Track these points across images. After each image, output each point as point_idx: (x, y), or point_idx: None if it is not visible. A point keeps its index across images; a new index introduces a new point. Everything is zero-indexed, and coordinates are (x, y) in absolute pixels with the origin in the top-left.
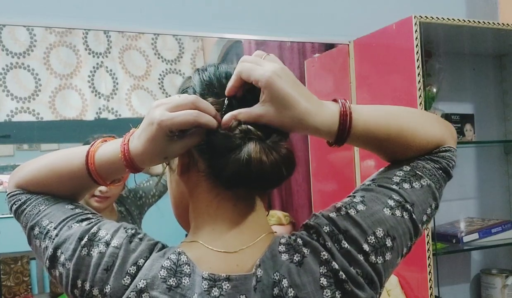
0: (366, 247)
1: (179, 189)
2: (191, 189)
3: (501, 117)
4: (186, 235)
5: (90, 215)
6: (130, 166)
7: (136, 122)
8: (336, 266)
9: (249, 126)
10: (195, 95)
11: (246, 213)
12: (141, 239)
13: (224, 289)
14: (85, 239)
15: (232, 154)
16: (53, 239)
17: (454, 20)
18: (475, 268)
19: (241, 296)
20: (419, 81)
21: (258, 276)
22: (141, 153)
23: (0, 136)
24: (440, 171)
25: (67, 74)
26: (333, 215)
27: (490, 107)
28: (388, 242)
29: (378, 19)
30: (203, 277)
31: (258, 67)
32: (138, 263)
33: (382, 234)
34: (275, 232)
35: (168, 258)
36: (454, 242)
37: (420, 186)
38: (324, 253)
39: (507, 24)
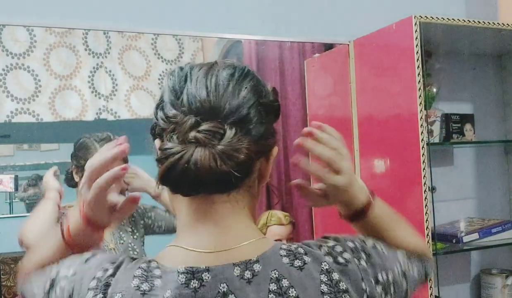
0: (380, 277)
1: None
2: (172, 199)
3: (501, 117)
4: None
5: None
6: (97, 229)
7: (135, 123)
8: (337, 277)
9: (197, 135)
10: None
11: (228, 217)
12: (97, 257)
13: (204, 280)
14: (48, 286)
15: (170, 162)
16: None
17: (454, 20)
18: (475, 268)
19: (222, 284)
20: (419, 81)
21: (256, 270)
22: (97, 220)
23: (0, 136)
24: (423, 272)
25: (67, 74)
26: (359, 240)
27: (490, 107)
28: (392, 290)
29: (378, 19)
30: (179, 272)
31: (344, 162)
32: (96, 276)
33: (391, 280)
34: (265, 236)
35: (139, 267)
36: (454, 242)
37: (412, 272)
38: (325, 263)
39: (507, 24)
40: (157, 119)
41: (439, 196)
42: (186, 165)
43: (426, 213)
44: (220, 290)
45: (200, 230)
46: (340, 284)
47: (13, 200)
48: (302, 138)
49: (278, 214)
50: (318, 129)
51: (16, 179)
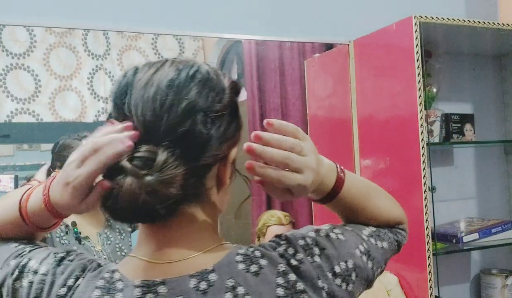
0: (337, 269)
1: None
2: None
3: (501, 117)
4: None
5: (27, 248)
6: (57, 216)
7: None
8: (294, 278)
9: (125, 164)
10: (92, 138)
11: (184, 227)
12: (71, 260)
13: (159, 293)
14: (16, 273)
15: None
16: None
17: (454, 20)
18: (475, 268)
19: (178, 297)
20: (419, 81)
21: (211, 280)
22: (64, 208)
23: (0, 136)
24: (395, 244)
25: (66, 75)
26: (312, 233)
27: (490, 107)
28: (353, 276)
29: (378, 19)
30: (135, 286)
31: (303, 158)
32: (67, 284)
33: (351, 266)
34: (228, 243)
35: (102, 277)
36: (454, 242)
37: (381, 246)
38: (281, 265)
39: (507, 24)
40: None
41: (439, 196)
42: (116, 195)
43: (426, 213)
44: None
45: (155, 241)
46: (297, 285)
47: None
48: (249, 143)
49: (278, 214)
50: (268, 127)
51: (16, 179)
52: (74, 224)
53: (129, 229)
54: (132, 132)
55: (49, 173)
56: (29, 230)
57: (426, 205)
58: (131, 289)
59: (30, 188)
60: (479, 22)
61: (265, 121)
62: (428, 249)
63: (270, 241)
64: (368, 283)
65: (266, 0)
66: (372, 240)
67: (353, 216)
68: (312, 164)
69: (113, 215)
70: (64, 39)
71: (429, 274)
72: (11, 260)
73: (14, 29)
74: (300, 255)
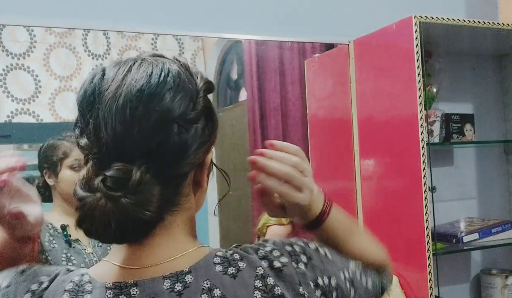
0: (320, 281)
1: None
2: None
3: (501, 117)
4: None
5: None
6: (22, 242)
7: None
8: (272, 282)
9: (99, 185)
10: None
11: (156, 236)
12: (33, 268)
13: (132, 295)
14: None
15: (79, 211)
16: None
17: (454, 20)
18: (475, 268)
19: None
20: (419, 81)
21: (187, 281)
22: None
23: (0, 136)
24: (379, 287)
25: (66, 76)
26: (301, 243)
27: (490, 107)
28: (333, 294)
29: (378, 19)
30: (106, 287)
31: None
32: (30, 289)
33: (334, 285)
34: (206, 246)
35: (71, 281)
36: (454, 242)
37: (365, 285)
38: (260, 268)
39: (507, 24)
40: (76, 139)
41: (439, 196)
42: (91, 216)
43: (426, 213)
44: None
45: (129, 247)
46: (275, 289)
47: None
48: (253, 157)
49: None
50: (270, 148)
51: None
52: (63, 227)
53: None
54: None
55: (40, 187)
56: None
57: (426, 205)
58: (102, 290)
59: None
60: (479, 22)
61: (267, 142)
62: (428, 249)
63: (256, 243)
64: None
65: (266, 0)
66: (358, 274)
67: (336, 249)
68: (311, 185)
69: (88, 234)
70: (64, 39)
71: (429, 274)
72: None
73: (14, 29)
74: (284, 259)
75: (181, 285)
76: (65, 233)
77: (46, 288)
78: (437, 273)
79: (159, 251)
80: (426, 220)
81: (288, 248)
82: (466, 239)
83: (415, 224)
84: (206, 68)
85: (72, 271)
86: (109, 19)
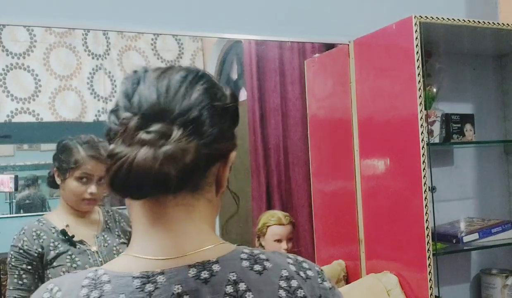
0: None
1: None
2: (128, 205)
3: (501, 117)
4: None
5: None
6: None
7: None
8: (296, 284)
9: (142, 136)
10: None
11: (183, 222)
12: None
13: (159, 283)
14: None
15: (115, 166)
16: None
17: (454, 20)
18: (475, 268)
19: (175, 286)
20: (419, 81)
21: (214, 270)
22: None
23: (0, 136)
24: None
25: (66, 75)
26: (331, 288)
27: (490, 107)
28: None
29: (378, 19)
30: (133, 277)
31: None
32: (49, 289)
33: None
34: (229, 243)
35: (86, 277)
36: (454, 242)
37: None
38: (285, 271)
39: (507, 24)
40: (110, 123)
41: (439, 196)
42: (129, 167)
43: (426, 213)
44: (174, 292)
45: (153, 237)
46: (298, 291)
47: (13, 200)
48: None
49: (278, 214)
50: None
51: (16, 179)
52: (63, 232)
53: (128, 237)
54: None
55: (49, 178)
56: None
57: (426, 205)
58: (129, 279)
59: None
60: (479, 22)
61: None
62: (428, 249)
63: (288, 253)
64: None
65: (266, 0)
66: None
67: None
68: None
69: (123, 190)
70: (64, 39)
71: (429, 274)
72: None
73: (14, 29)
74: (311, 273)
75: (207, 273)
76: (66, 237)
77: (59, 290)
78: (437, 273)
79: (183, 241)
80: (426, 220)
81: (317, 268)
82: (466, 239)
83: (415, 224)
84: (206, 68)
85: (78, 272)
86: (109, 19)
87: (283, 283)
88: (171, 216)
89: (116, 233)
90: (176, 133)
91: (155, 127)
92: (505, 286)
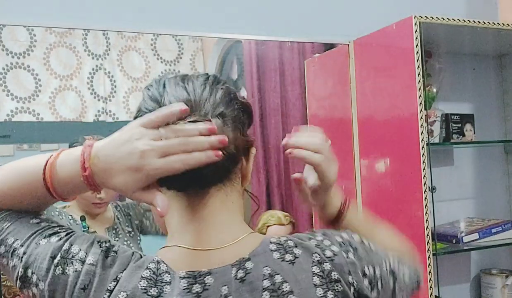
0: (366, 271)
1: None
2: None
3: (501, 117)
4: None
5: (58, 229)
6: (93, 188)
7: None
8: (329, 267)
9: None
10: (180, 127)
11: (220, 212)
12: (116, 252)
13: (206, 284)
14: (58, 257)
15: None
16: (21, 257)
17: (454, 20)
18: (475, 268)
19: (223, 287)
20: (419, 81)
21: (248, 268)
22: (116, 188)
23: (0, 136)
24: (416, 279)
25: (66, 75)
26: (345, 235)
27: (490, 107)
28: (379, 285)
29: (378, 19)
30: (180, 277)
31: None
32: (117, 278)
33: (378, 274)
34: (256, 232)
35: (147, 267)
36: (454, 242)
37: (403, 275)
38: (316, 254)
39: (507, 24)
40: None
41: (439, 196)
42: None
43: (426, 213)
44: (221, 293)
45: (194, 227)
46: (332, 274)
47: None
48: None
49: (278, 214)
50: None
51: None
52: (83, 218)
53: (138, 231)
54: (221, 137)
55: None
56: (43, 200)
57: (426, 205)
58: (178, 280)
59: (52, 155)
60: (479, 22)
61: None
62: (428, 249)
63: (306, 232)
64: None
65: (266, 0)
66: (397, 265)
67: None
68: (334, 172)
69: (172, 183)
70: (64, 39)
71: (429, 274)
72: (41, 239)
73: (14, 29)
74: (335, 248)
75: (243, 272)
76: (83, 223)
77: (123, 275)
78: (437, 273)
79: (221, 232)
80: (426, 220)
81: (338, 239)
82: (466, 239)
83: (415, 224)
84: (205, 68)
85: (143, 256)
86: (109, 19)
87: (315, 269)
88: (209, 208)
89: (126, 226)
90: (216, 122)
91: (194, 118)
92: (505, 286)
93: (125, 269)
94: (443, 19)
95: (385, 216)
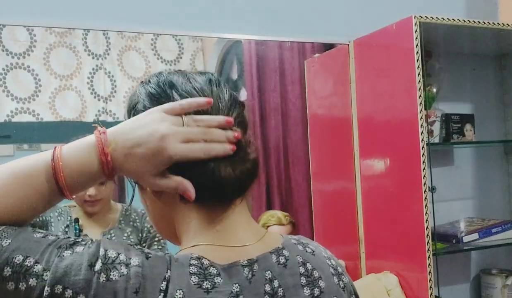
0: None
1: (156, 205)
2: (170, 205)
3: (501, 117)
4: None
5: (73, 239)
6: (109, 176)
7: None
8: (334, 262)
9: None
10: (205, 118)
11: (240, 213)
12: (150, 253)
13: (254, 270)
14: (99, 264)
15: (198, 170)
16: (42, 275)
17: (454, 20)
18: (475, 268)
19: (267, 272)
20: (419, 81)
21: (286, 255)
22: (130, 168)
23: (0, 136)
24: None
25: (66, 75)
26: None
27: (490, 107)
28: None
29: (378, 19)
30: (226, 268)
31: None
32: (166, 277)
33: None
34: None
35: (190, 264)
36: (454, 242)
37: None
38: (325, 250)
39: (507, 24)
40: None
41: (439, 196)
42: (211, 176)
43: (426, 213)
44: (266, 277)
45: (217, 229)
46: (338, 268)
47: None
48: None
49: (278, 214)
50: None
51: None
52: (76, 220)
53: (137, 241)
54: (236, 133)
55: None
56: (47, 201)
57: (426, 205)
58: (239, 269)
59: (54, 150)
60: (479, 22)
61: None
62: (428, 249)
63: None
64: None
65: (266, 0)
66: None
67: None
68: None
69: (216, 195)
70: (64, 39)
71: (429, 274)
72: (62, 251)
73: (14, 29)
74: (341, 270)
75: (283, 258)
76: (76, 226)
77: (171, 276)
78: (437, 273)
79: (243, 232)
80: (426, 220)
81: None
82: (466, 239)
83: (415, 224)
84: (206, 68)
85: (172, 256)
86: (109, 19)
87: (328, 262)
88: (227, 211)
89: (126, 233)
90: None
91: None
92: (505, 286)
93: (169, 269)
94: (443, 19)
95: (385, 216)
